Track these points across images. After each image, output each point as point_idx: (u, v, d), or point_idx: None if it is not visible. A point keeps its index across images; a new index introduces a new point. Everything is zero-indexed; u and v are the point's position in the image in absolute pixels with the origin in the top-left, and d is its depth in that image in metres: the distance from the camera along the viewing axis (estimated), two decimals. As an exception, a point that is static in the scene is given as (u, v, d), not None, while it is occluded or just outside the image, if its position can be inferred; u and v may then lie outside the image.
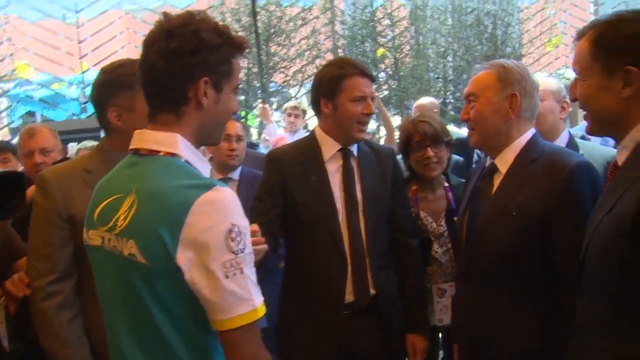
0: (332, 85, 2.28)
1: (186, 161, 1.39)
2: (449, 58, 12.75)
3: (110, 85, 1.95)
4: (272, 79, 12.18)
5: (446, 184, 2.69)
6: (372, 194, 2.33)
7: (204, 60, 1.37)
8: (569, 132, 2.74)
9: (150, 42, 1.39)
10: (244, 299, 1.30)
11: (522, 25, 12.05)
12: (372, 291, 2.28)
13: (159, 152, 1.39)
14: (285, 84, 12.43)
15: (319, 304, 2.26)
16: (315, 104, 2.36)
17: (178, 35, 1.35)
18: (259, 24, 10.52)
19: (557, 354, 1.78)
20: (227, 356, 1.33)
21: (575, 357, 1.59)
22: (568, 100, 2.77)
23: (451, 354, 2.54)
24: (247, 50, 1.53)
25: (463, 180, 2.79)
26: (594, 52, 1.50)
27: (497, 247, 1.93)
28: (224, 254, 1.27)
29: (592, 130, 1.62)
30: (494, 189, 2.01)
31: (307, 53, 12.34)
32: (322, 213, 2.27)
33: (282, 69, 12.33)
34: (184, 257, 1.27)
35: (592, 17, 12.76)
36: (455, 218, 2.58)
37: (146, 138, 1.42)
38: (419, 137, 2.59)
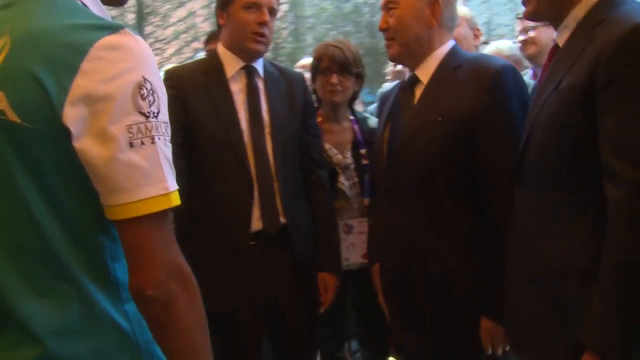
0: None
1: (82, 3, 1.07)
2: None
3: None
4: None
5: (352, 117, 2.60)
6: (280, 117, 2.16)
7: None
8: None
9: None
10: (152, 177, 0.98)
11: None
12: (282, 220, 2.11)
13: None
14: (160, 66, 11.94)
15: (223, 233, 2.06)
16: (216, 18, 2.20)
17: None
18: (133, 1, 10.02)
19: (488, 271, 1.73)
20: (128, 258, 1.00)
21: (519, 250, 1.54)
22: (480, 29, 2.89)
23: (360, 293, 2.45)
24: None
25: (369, 115, 2.74)
26: None
27: (421, 156, 1.83)
28: (130, 114, 0.96)
29: (538, 10, 1.53)
30: (416, 99, 1.91)
31: (183, 35, 11.93)
32: (226, 134, 2.06)
33: (157, 51, 11.83)
34: (73, 115, 0.94)
35: (463, 10, 13.40)
36: (362, 150, 2.51)
37: None
38: (327, 61, 2.47)
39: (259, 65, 2.22)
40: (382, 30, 1.96)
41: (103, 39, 0.96)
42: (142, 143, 0.97)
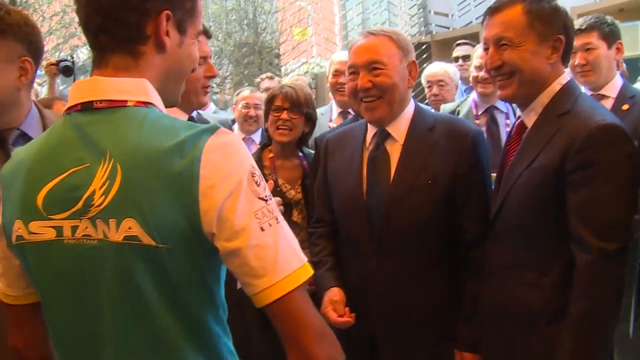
0: None
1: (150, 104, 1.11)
2: (209, 43, 12.78)
3: None
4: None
5: (300, 154, 2.80)
6: None
7: None
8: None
9: None
10: (288, 253, 1.04)
11: (279, 14, 12.62)
12: None
13: (125, 102, 1.08)
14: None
15: None
16: None
17: None
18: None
19: (469, 313, 1.96)
20: (286, 337, 1.04)
21: (494, 295, 1.82)
22: None
23: None
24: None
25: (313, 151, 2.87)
26: (530, 22, 1.70)
27: (412, 216, 1.95)
28: (253, 201, 1.03)
29: (514, 94, 1.77)
30: (393, 158, 2.01)
31: (58, 32, 11.42)
32: None
33: (32, 48, 11.21)
34: (209, 220, 1.01)
35: (337, 13, 13.89)
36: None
37: (101, 87, 1.09)
38: (280, 99, 2.69)
39: (194, 115, 2.24)
40: (365, 89, 1.97)
41: (208, 143, 1.03)
42: (270, 225, 1.04)
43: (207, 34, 2.13)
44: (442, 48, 12.27)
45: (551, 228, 1.68)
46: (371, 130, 2.09)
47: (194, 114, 2.23)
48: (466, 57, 4.25)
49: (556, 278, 1.68)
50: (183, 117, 2.10)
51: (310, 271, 1.07)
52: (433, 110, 3.56)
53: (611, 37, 2.72)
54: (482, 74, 3.22)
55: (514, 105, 3.13)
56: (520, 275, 1.74)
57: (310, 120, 2.76)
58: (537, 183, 1.67)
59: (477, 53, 3.32)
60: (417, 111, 2.07)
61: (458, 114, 3.30)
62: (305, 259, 1.07)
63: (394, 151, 2.02)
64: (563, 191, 1.63)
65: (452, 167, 1.95)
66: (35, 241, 1.09)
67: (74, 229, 1.06)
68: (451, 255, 2.01)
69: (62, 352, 1.17)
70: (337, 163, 2.16)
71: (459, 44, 4.59)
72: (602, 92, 2.74)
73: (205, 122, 2.36)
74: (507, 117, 3.24)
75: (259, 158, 2.77)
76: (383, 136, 2.05)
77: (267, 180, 2.54)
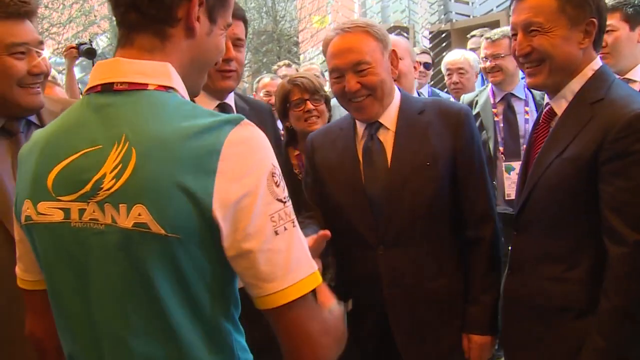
0: None
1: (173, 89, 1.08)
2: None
3: None
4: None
5: None
6: None
7: None
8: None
9: None
10: (299, 260, 1.01)
11: (298, 2, 12.55)
12: None
13: (146, 85, 1.05)
14: (57, 52, 11.44)
15: None
16: None
17: None
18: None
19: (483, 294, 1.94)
20: (286, 343, 1.03)
21: (520, 287, 1.78)
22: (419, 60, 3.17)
23: None
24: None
25: None
26: (561, 6, 1.63)
27: (415, 201, 1.93)
28: (270, 203, 0.99)
29: (546, 81, 1.72)
30: (387, 145, 1.99)
31: (78, 20, 11.45)
32: None
33: (52, 36, 11.31)
34: (222, 216, 0.97)
35: (356, 0, 13.78)
36: None
37: (123, 68, 1.06)
38: (298, 92, 2.59)
39: (231, 101, 2.17)
40: (355, 90, 1.93)
41: (230, 135, 1.00)
42: (286, 228, 1.01)
43: (244, 20, 2.05)
44: (462, 36, 12.08)
45: (581, 220, 1.64)
46: (361, 123, 2.06)
47: (231, 99, 2.16)
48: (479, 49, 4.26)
49: (585, 271, 1.63)
50: (213, 103, 2.06)
51: (319, 279, 1.04)
52: (453, 99, 3.56)
53: (635, 18, 2.64)
54: (488, 64, 3.26)
55: (534, 92, 3.10)
56: (547, 268, 1.70)
57: (328, 103, 2.71)
58: (569, 173, 1.63)
59: (483, 44, 3.34)
60: (404, 98, 2.05)
61: (477, 103, 3.30)
62: (315, 266, 1.05)
63: (388, 139, 1.99)
64: (595, 181, 1.58)
65: (450, 142, 1.94)
66: (43, 222, 1.07)
67: (82, 212, 1.04)
68: (459, 238, 1.99)
69: (64, 337, 1.15)
70: (328, 159, 2.10)
71: (474, 35, 4.57)
72: (627, 76, 2.67)
73: (250, 101, 2.33)
74: (527, 104, 3.21)
75: (286, 157, 2.71)
76: (375, 127, 2.02)
77: (298, 179, 2.56)
